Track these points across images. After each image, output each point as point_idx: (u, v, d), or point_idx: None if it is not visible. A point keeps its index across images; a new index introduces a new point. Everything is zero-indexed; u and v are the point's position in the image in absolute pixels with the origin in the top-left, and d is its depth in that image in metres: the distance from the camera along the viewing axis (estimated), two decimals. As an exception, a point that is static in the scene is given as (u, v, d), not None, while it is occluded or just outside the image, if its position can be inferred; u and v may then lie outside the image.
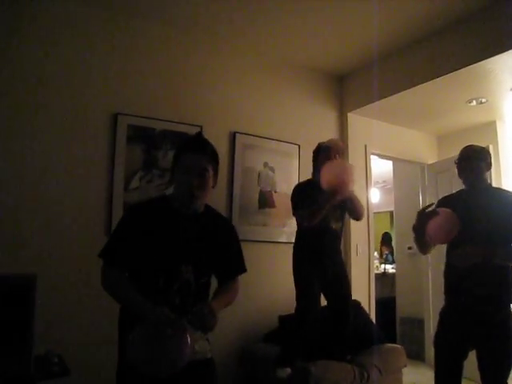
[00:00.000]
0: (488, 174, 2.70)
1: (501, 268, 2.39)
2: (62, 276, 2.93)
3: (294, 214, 3.23)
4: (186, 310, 1.70)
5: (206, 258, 1.83)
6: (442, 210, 2.47)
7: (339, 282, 3.24)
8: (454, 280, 2.55)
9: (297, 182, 3.67)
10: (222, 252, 1.89)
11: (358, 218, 3.27)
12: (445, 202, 2.71)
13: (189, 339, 1.58)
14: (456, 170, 2.76)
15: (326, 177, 2.89)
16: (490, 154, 2.73)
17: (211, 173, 1.80)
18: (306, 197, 3.08)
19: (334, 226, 3.22)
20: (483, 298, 2.39)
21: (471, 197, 2.59)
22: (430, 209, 2.48)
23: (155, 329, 1.55)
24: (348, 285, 3.34)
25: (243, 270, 1.98)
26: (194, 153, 1.77)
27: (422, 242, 2.57)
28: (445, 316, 2.63)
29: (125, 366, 1.71)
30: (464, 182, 2.69)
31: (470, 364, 2.49)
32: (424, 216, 2.43)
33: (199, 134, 1.87)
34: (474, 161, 2.67)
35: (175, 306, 1.69)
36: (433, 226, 2.42)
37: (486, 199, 2.56)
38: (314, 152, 3.34)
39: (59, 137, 3.04)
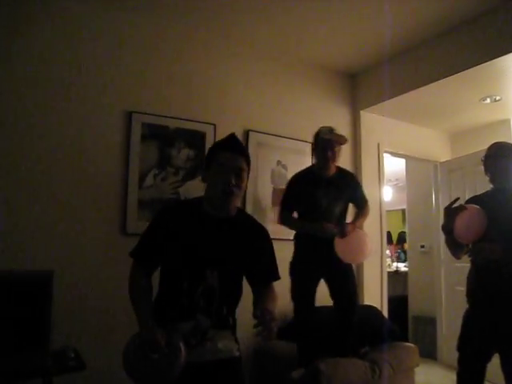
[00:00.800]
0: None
1: None
2: (78, 272, 2.97)
3: (279, 204, 3.27)
4: (210, 313, 1.73)
5: (234, 264, 1.80)
6: (469, 205, 2.46)
7: (344, 277, 3.16)
8: (477, 283, 2.54)
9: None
10: (254, 258, 1.84)
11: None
12: (472, 202, 2.65)
13: (179, 360, 1.59)
14: (483, 167, 2.68)
15: (342, 253, 3.02)
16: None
17: (246, 174, 1.79)
18: (295, 196, 3.15)
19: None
20: (506, 300, 2.38)
21: (496, 196, 2.55)
22: (456, 204, 2.46)
23: (142, 349, 1.61)
24: (353, 280, 3.24)
25: (276, 277, 1.92)
26: (231, 152, 1.76)
27: (453, 244, 2.56)
28: (468, 319, 2.59)
29: None
30: (490, 181, 2.62)
31: (492, 366, 2.48)
32: (451, 211, 2.42)
33: (234, 135, 1.84)
34: (501, 159, 2.56)
35: (200, 308, 1.71)
36: (461, 222, 2.40)
37: (511, 199, 2.51)
38: (314, 137, 3.23)
39: (74, 136, 3.08)
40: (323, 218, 3.05)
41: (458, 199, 2.51)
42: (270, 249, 1.92)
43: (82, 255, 3.02)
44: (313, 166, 3.31)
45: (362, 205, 3.33)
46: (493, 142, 2.68)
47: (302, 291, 3.11)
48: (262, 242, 1.90)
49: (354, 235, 3.04)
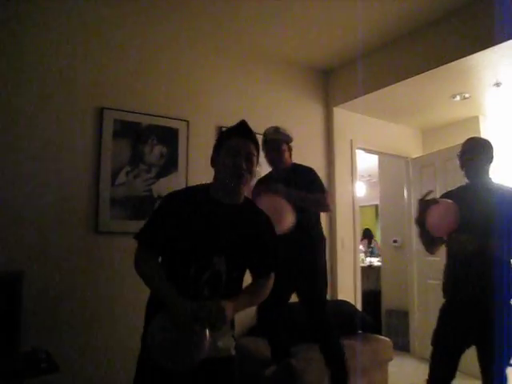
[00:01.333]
0: (489, 167, 2.63)
1: (499, 263, 2.41)
2: (49, 272, 2.91)
3: None
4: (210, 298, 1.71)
5: (241, 251, 1.79)
6: (442, 199, 2.51)
7: (309, 278, 2.92)
8: (453, 277, 2.58)
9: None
10: (257, 247, 1.84)
11: (322, 210, 3.06)
12: (445, 197, 2.69)
13: (207, 336, 1.59)
14: (454, 163, 2.76)
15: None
16: (492, 147, 2.67)
17: (256, 159, 1.80)
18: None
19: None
20: (482, 293, 2.43)
21: (470, 191, 2.59)
22: (429, 197, 2.50)
23: (177, 324, 1.56)
24: (321, 280, 2.99)
25: (273, 269, 1.92)
26: (242, 137, 1.78)
27: (427, 237, 2.62)
28: (444, 313, 2.62)
29: (146, 358, 1.70)
30: (465, 175, 2.65)
31: (465, 357, 2.53)
32: (424, 203, 2.48)
33: (244, 121, 1.84)
34: (476, 154, 2.61)
35: (203, 297, 1.69)
36: (433, 214, 2.45)
37: (485, 194, 2.55)
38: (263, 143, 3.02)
39: (43, 132, 3.00)
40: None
41: (431, 192, 2.56)
42: (273, 240, 1.92)
43: (53, 255, 2.95)
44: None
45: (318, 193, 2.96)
46: (468, 138, 2.72)
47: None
48: (266, 231, 1.89)
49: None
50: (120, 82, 3.35)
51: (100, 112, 3.22)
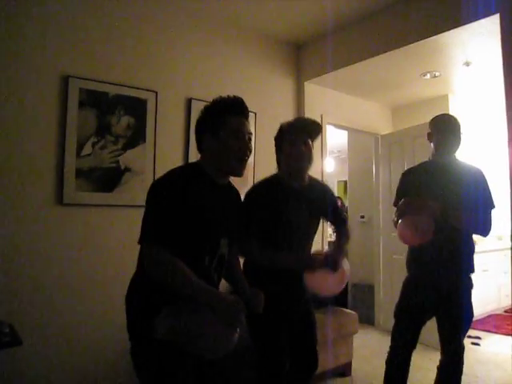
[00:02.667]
0: (457, 145, 2.64)
1: (460, 237, 2.50)
2: (12, 245, 2.84)
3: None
4: (217, 284, 1.75)
5: (237, 229, 1.83)
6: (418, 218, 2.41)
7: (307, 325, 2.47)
8: (416, 251, 2.62)
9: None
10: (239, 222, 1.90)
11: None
12: (408, 174, 2.73)
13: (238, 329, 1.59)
14: (422, 140, 2.82)
15: (312, 285, 2.26)
16: (454, 121, 2.67)
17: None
18: (260, 211, 2.22)
19: (306, 243, 2.44)
20: (443, 266, 2.51)
21: (438, 166, 2.60)
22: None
23: (226, 319, 1.53)
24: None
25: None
26: (243, 117, 1.76)
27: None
28: (408, 286, 2.67)
29: (157, 341, 1.52)
30: (434, 150, 2.64)
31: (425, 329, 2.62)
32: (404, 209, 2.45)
33: (241, 98, 1.82)
34: (444, 132, 2.60)
35: (214, 283, 1.70)
36: (406, 226, 2.43)
37: (452, 170, 2.59)
38: (275, 138, 2.50)
39: (4, 101, 2.89)
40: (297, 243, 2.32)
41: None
42: (245, 212, 2.00)
43: (16, 227, 2.87)
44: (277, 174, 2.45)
45: (341, 223, 2.68)
46: (439, 114, 2.73)
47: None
48: (241, 204, 1.98)
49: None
50: (86, 50, 3.23)
51: (65, 80, 3.11)
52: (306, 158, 2.29)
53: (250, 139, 1.74)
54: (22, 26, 2.97)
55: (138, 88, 3.43)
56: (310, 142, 2.31)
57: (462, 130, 2.66)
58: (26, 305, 2.85)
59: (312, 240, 2.43)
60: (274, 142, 2.48)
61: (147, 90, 3.48)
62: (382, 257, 5.19)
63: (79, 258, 3.07)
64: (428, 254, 2.53)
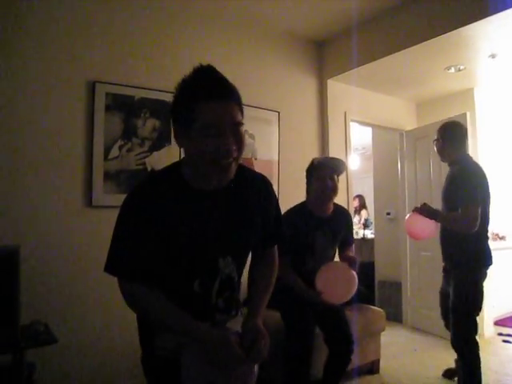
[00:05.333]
0: (453, 147, 3.03)
1: (457, 236, 2.90)
2: (44, 247, 2.92)
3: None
4: (231, 308, 1.45)
5: (246, 241, 1.44)
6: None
7: (334, 315, 2.80)
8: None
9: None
10: (261, 220, 1.47)
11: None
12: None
13: (255, 369, 1.35)
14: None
15: (320, 280, 2.56)
16: (449, 128, 3.06)
17: (243, 127, 1.28)
18: (291, 236, 2.50)
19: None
20: (446, 258, 3.11)
21: (437, 173, 3.31)
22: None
23: (218, 362, 1.25)
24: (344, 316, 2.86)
25: (282, 238, 1.62)
26: (220, 100, 1.22)
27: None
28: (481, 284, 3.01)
29: (158, 357, 1.39)
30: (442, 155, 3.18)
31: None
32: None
33: (213, 68, 1.28)
34: (437, 140, 3.11)
35: (220, 311, 1.41)
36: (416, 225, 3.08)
37: (448, 174, 3.05)
38: (307, 170, 2.87)
39: (36, 108, 2.97)
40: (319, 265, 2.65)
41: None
42: (275, 205, 1.54)
43: (47, 229, 2.96)
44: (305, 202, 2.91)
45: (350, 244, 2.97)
46: (444, 122, 3.19)
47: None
48: (266, 199, 1.49)
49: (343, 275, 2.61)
50: (112, 56, 3.30)
51: (92, 86, 3.19)
52: (331, 192, 2.72)
53: (236, 131, 1.24)
54: (51, 33, 3.05)
55: (162, 91, 3.48)
56: (336, 177, 2.74)
57: (454, 131, 3.05)
58: (60, 304, 2.94)
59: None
60: (305, 173, 2.90)
61: (171, 93, 3.51)
62: (409, 254, 5.13)
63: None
64: (442, 249, 3.15)
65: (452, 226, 2.91)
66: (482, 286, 2.94)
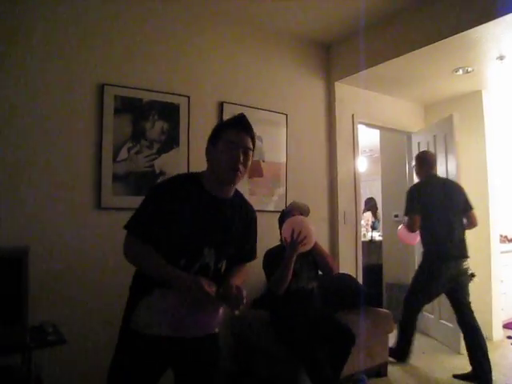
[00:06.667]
0: (421, 170, 4.03)
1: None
2: (53, 248, 2.94)
3: (268, 282, 3.15)
4: None
5: (229, 243, 1.86)
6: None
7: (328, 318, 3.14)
8: None
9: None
10: (242, 239, 1.93)
11: (330, 271, 3.16)
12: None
13: (220, 310, 1.74)
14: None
15: (285, 232, 2.99)
16: (417, 158, 4.13)
17: (252, 154, 1.82)
18: (275, 265, 3.02)
19: (309, 285, 3.17)
20: None
21: (444, 175, 4.31)
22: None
23: (188, 296, 1.61)
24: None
25: (254, 257, 2.05)
26: (240, 130, 1.78)
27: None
28: None
29: (131, 330, 1.74)
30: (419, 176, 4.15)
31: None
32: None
33: (243, 115, 1.85)
34: (414, 165, 4.18)
35: None
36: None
37: None
38: (278, 218, 3.32)
39: (45, 110, 3.00)
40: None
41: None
42: (255, 230, 2.02)
43: (56, 231, 2.98)
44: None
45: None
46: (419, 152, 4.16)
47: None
48: (251, 223, 1.98)
49: (295, 219, 3.07)
50: (120, 59, 3.33)
51: (101, 88, 3.21)
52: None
53: (246, 153, 1.77)
54: (60, 36, 3.09)
55: (170, 93, 3.51)
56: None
57: (419, 161, 4.08)
58: (68, 305, 2.95)
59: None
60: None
61: (180, 95, 3.56)
62: (417, 256, 5.10)
63: (117, 259, 3.15)
64: None
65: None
66: (434, 278, 3.69)
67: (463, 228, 3.78)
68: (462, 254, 3.69)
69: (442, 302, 4.21)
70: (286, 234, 2.97)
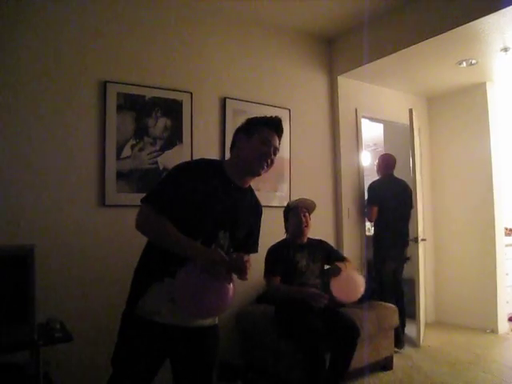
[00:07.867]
0: (381, 170, 4.73)
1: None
2: (58, 246, 2.96)
3: (264, 277, 3.18)
4: None
5: (241, 229, 1.93)
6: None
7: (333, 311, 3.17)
8: None
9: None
10: (251, 230, 2.00)
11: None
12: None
13: (230, 292, 1.69)
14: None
15: (337, 293, 3.02)
16: (379, 159, 4.79)
17: (278, 151, 1.95)
18: (275, 264, 3.15)
19: (314, 281, 3.20)
20: None
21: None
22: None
23: (212, 268, 1.62)
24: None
25: (256, 250, 2.09)
26: (276, 133, 1.92)
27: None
28: None
29: (137, 316, 1.76)
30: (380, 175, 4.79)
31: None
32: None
33: (280, 119, 1.97)
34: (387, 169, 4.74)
35: None
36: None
37: None
38: (284, 212, 3.42)
39: (48, 108, 3.01)
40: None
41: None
42: (259, 224, 2.08)
43: (62, 229, 3.00)
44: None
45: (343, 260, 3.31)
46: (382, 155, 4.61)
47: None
48: (258, 217, 2.06)
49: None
50: (122, 56, 3.33)
51: (103, 85, 3.22)
52: (304, 225, 3.29)
53: (274, 153, 1.89)
54: (62, 34, 3.09)
55: (173, 90, 3.51)
56: (308, 214, 3.32)
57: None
58: (75, 302, 2.98)
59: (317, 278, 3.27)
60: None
61: (182, 91, 3.55)
62: (421, 252, 5.10)
63: (122, 255, 3.16)
64: None
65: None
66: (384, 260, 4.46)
67: (408, 221, 4.52)
68: (406, 242, 4.50)
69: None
70: (336, 294, 3.02)
